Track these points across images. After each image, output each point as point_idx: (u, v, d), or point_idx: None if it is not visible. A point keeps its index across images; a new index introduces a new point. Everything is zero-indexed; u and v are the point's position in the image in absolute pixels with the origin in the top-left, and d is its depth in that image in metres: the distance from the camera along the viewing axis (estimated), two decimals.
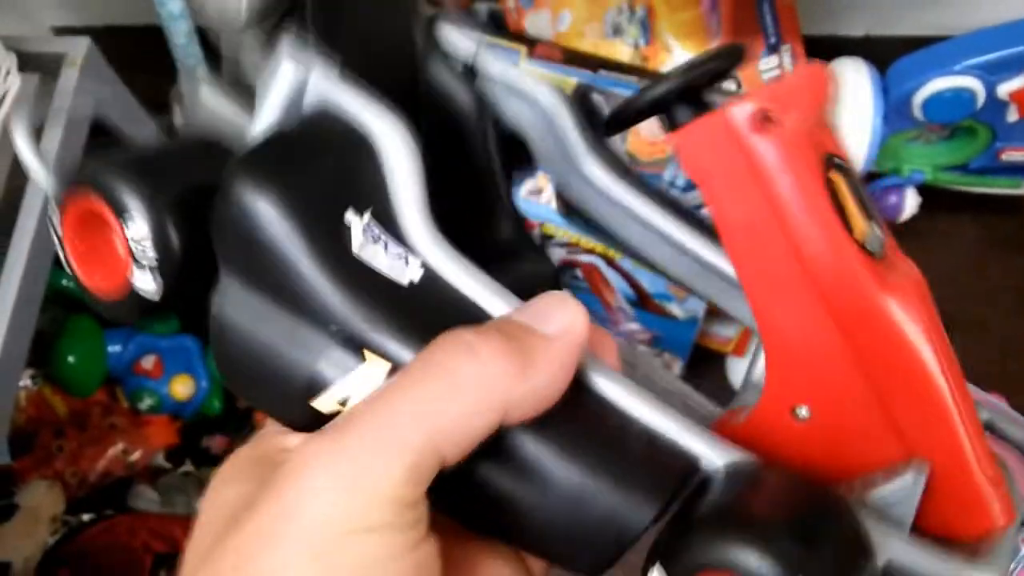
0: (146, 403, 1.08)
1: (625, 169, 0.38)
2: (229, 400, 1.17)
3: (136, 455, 1.05)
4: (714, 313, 1.09)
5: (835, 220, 0.27)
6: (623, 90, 1.04)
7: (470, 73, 0.35)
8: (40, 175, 0.30)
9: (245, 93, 0.30)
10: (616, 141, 1.03)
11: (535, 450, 0.25)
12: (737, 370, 1.15)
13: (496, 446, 0.24)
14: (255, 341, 0.26)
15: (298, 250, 0.25)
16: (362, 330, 0.25)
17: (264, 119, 0.27)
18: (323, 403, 0.25)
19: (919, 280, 0.30)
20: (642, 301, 1.00)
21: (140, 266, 0.26)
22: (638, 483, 0.25)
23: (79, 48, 0.80)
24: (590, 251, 0.98)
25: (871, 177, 1.07)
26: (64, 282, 1.01)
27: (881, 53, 1.04)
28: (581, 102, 0.37)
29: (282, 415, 0.27)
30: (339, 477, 0.22)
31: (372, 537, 0.22)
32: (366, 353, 0.25)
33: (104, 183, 0.26)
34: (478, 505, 0.26)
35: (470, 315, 0.27)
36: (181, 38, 0.96)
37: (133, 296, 0.27)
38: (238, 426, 1.17)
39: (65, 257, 0.28)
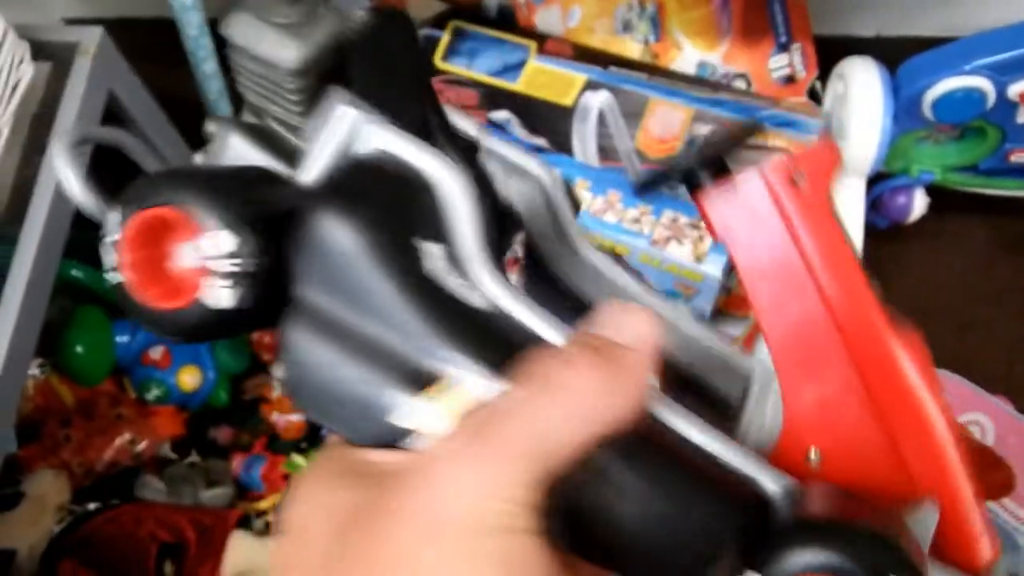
0: (153, 393, 1.09)
1: (615, 255, 0.40)
2: (235, 392, 1.17)
3: (143, 445, 1.06)
4: (720, 312, 1.09)
5: (860, 270, 0.30)
6: (632, 87, 1.04)
7: (471, 149, 0.37)
8: (86, 203, 0.31)
9: (268, 139, 0.31)
10: (625, 138, 1.03)
11: (625, 474, 0.26)
12: None
13: (589, 469, 0.26)
14: (329, 359, 0.27)
15: (379, 269, 0.27)
16: (440, 346, 0.27)
17: (318, 158, 0.29)
18: (405, 419, 0.27)
19: (919, 335, 0.33)
20: None
21: (217, 282, 0.26)
22: (717, 505, 0.27)
23: (92, 37, 0.80)
24: (597, 248, 0.98)
25: (880, 177, 1.07)
26: (73, 272, 1.02)
27: (891, 53, 1.04)
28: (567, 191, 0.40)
29: (353, 431, 0.28)
30: (481, 480, 0.23)
31: (515, 538, 0.23)
32: (445, 371, 0.27)
33: (188, 199, 0.26)
34: (573, 524, 0.27)
35: (535, 339, 0.28)
36: (193, 30, 0.96)
37: (204, 312, 0.27)
38: (244, 418, 1.17)
39: (121, 272, 0.28)
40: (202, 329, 0.27)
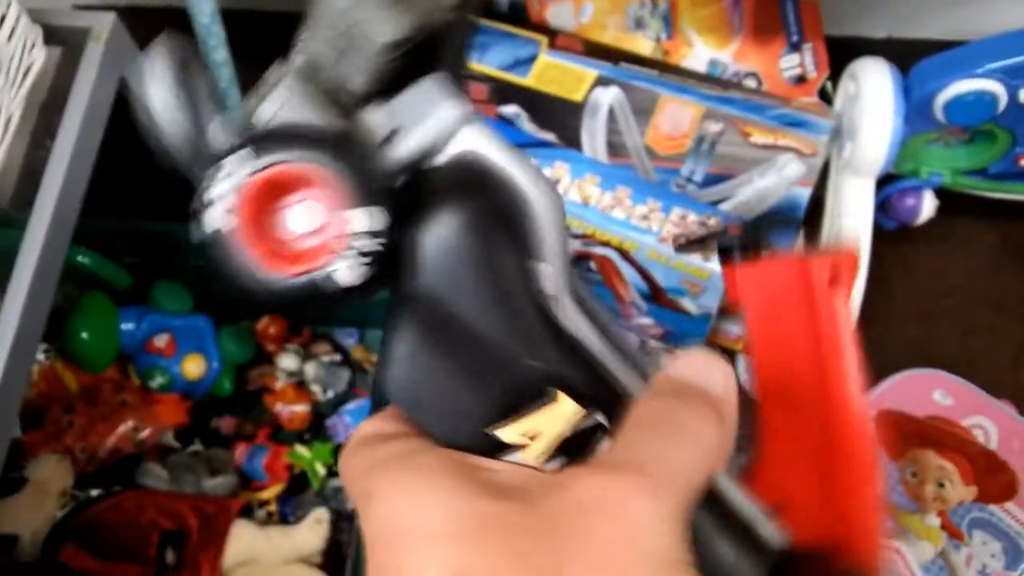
0: (157, 381, 1.09)
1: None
2: (239, 382, 1.17)
3: (146, 433, 1.05)
4: (726, 310, 1.09)
5: (857, 359, 0.35)
6: (643, 83, 1.04)
7: None
8: (182, 120, 0.29)
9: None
10: (635, 135, 1.03)
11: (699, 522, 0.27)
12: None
13: None
14: (438, 362, 0.27)
15: (504, 283, 0.27)
16: (564, 374, 0.27)
17: (412, 143, 0.28)
18: (508, 434, 0.27)
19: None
20: (655, 296, 1.00)
21: (350, 258, 0.25)
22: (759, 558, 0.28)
23: (104, 23, 0.80)
24: (605, 243, 0.98)
25: (889, 179, 1.07)
26: (80, 258, 1.02)
27: (902, 55, 1.04)
28: None
29: (447, 435, 0.27)
30: (658, 516, 0.24)
31: (688, 573, 0.24)
32: (548, 392, 0.27)
33: (338, 167, 0.25)
34: None
35: (607, 373, 0.29)
36: (204, 18, 0.95)
37: (318, 283, 0.26)
38: (247, 408, 1.17)
39: (236, 219, 0.26)
40: (305, 300, 0.26)
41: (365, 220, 0.25)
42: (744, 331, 0.38)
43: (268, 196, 0.25)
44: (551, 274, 0.28)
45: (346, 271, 0.25)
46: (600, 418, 0.27)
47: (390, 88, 0.30)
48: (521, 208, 0.28)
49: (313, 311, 0.28)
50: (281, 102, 0.28)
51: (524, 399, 0.27)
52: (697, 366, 0.28)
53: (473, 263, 0.27)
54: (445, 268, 0.27)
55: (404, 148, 0.28)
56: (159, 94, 0.28)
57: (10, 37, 0.76)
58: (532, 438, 0.26)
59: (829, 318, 0.34)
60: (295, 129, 0.26)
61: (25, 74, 0.78)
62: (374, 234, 0.25)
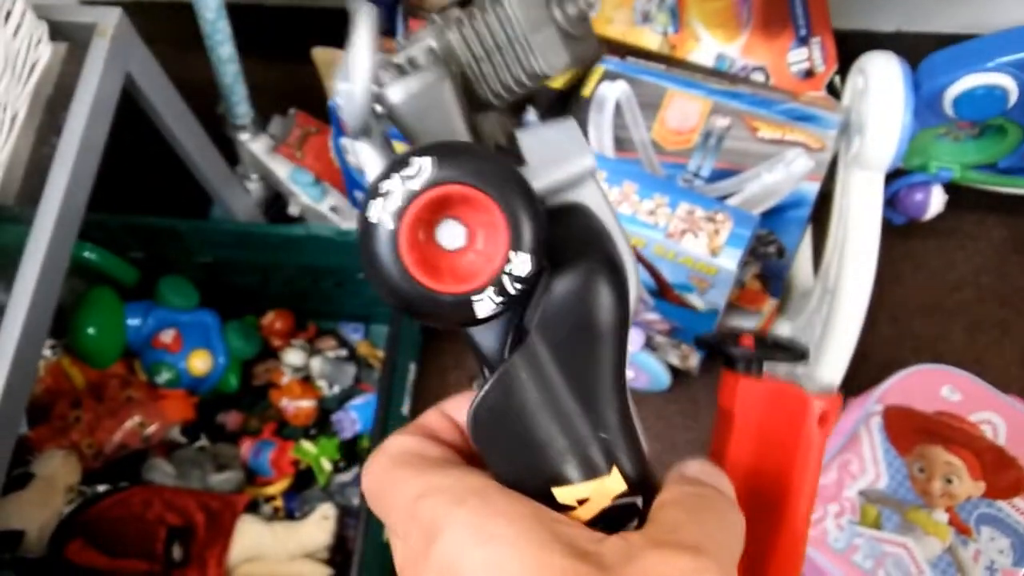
0: (163, 377, 1.09)
1: None
2: (245, 377, 1.17)
3: (152, 428, 1.06)
4: (733, 306, 1.09)
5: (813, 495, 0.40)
6: (649, 78, 1.03)
7: None
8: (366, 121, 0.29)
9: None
10: (642, 129, 1.03)
11: None
12: None
13: None
14: (534, 408, 0.28)
15: (614, 350, 0.29)
16: (620, 450, 0.29)
17: (542, 179, 0.29)
18: (563, 494, 0.28)
19: None
20: (662, 291, 1.00)
21: (493, 291, 0.26)
22: None
23: (110, 19, 0.79)
24: None
25: (898, 174, 1.06)
26: (86, 253, 1.02)
27: (911, 49, 1.03)
28: None
29: (515, 479, 0.28)
30: None
31: None
32: (614, 468, 0.28)
33: (517, 207, 0.26)
34: None
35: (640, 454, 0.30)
36: (210, 13, 0.95)
37: (455, 306, 0.26)
38: (253, 403, 1.17)
39: (399, 224, 0.26)
40: (434, 315, 0.26)
41: (522, 265, 0.26)
42: (719, 434, 0.41)
43: (435, 208, 0.26)
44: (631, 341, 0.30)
45: (485, 305, 0.26)
46: (637, 500, 0.29)
47: (508, 108, 0.31)
48: (625, 275, 0.30)
49: (431, 324, 0.28)
50: (419, 89, 0.28)
51: (585, 465, 0.28)
52: (708, 470, 0.30)
53: (585, 324, 0.28)
54: (561, 322, 0.28)
55: (537, 182, 0.29)
56: (362, 58, 0.29)
57: (16, 33, 0.76)
58: (580, 503, 0.28)
59: (808, 452, 0.38)
60: (479, 153, 0.26)
61: (31, 70, 0.78)
62: (523, 280, 0.26)
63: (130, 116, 0.87)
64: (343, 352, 1.20)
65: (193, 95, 0.97)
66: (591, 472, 0.28)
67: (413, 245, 0.25)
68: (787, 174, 1.00)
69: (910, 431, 1.00)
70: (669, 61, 1.06)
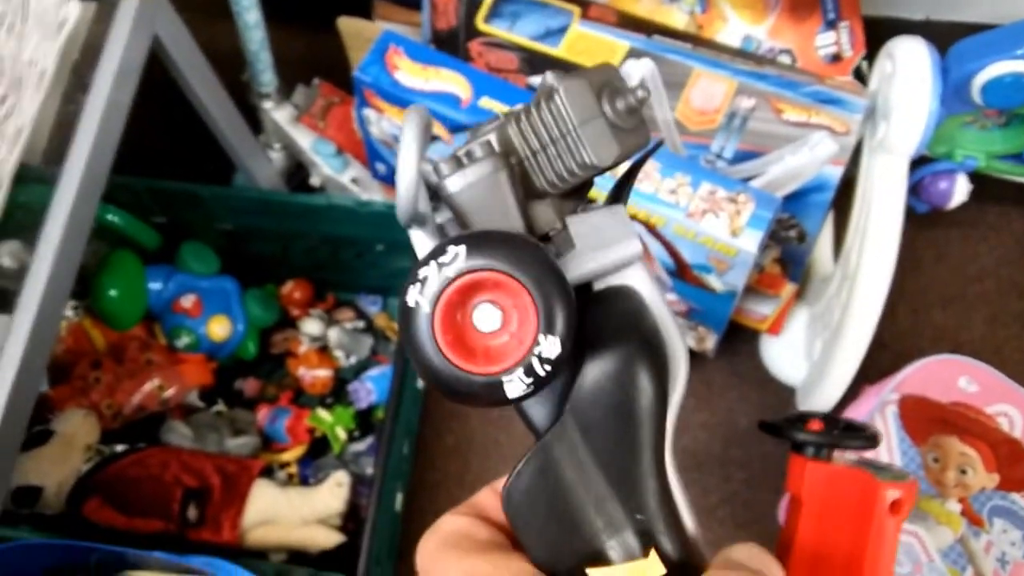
0: (183, 341, 1.10)
1: None
2: (263, 345, 1.18)
3: (171, 391, 1.07)
4: (751, 290, 1.08)
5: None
6: (675, 57, 1.02)
7: None
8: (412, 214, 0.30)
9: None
10: (666, 109, 1.02)
11: None
12: (770, 349, 1.15)
13: None
14: (567, 488, 0.29)
15: (652, 433, 0.29)
16: (659, 532, 0.29)
17: (585, 270, 0.30)
18: (598, 574, 0.29)
19: None
20: (681, 271, 1.00)
21: (524, 376, 0.27)
22: None
23: None
24: (632, 217, 0.97)
25: (923, 161, 1.05)
26: (109, 216, 1.03)
27: (940, 37, 1.02)
28: None
29: (549, 558, 0.29)
30: None
31: None
32: (651, 551, 0.29)
33: (551, 294, 0.27)
34: None
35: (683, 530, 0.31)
36: None
37: (484, 386, 0.27)
38: (271, 371, 1.18)
39: (434, 307, 0.27)
40: (466, 394, 0.27)
41: (552, 348, 0.26)
42: (789, 520, 0.40)
43: (468, 292, 0.27)
44: (671, 421, 0.30)
45: (516, 386, 0.27)
46: None
47: (562, 195, 0.31)
48: (665, 359, 0.31)
49: (467, 404, 0.29)
50: (476, 179, 0.29)
51: (621, 547, 0.29)
52: (757, 555, 0.30)
53: (620, 407, 0.29)
54: (594, 403, 0.29)
55: (577, 269, 0.30)
56: (409, 157, 0.30)
57: None
58: None
59: (880, 540, 0.38)
60: (511, 240, 0.27)
61: (60, 27, 0.78)
62: (552, 362, 0.26)
63: (156, 80, 0.87)
64: (360, 324, 1.20)
65: (218, 63, 0.98)
66: (627, 554, 0.29)
67: (448, 327, 0.27)
68: (811, 157, 1.00)
69: (926, 421, 1.00)
70: (695, 41, 1.06)
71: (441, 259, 0.27)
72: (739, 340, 1.13)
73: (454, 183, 0.29)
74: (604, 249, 0.31)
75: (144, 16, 0.80)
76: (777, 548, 0.40)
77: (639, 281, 0.31)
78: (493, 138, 0.30)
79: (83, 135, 0.77)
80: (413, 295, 0.27)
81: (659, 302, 0.31)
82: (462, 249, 0.27)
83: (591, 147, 0.29)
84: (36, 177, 0.80)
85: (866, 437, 0.40)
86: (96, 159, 0.77)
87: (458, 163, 0.30)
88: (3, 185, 0.73)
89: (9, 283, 0.78)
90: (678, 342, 0.31)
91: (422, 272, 0.27)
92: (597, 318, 0.30)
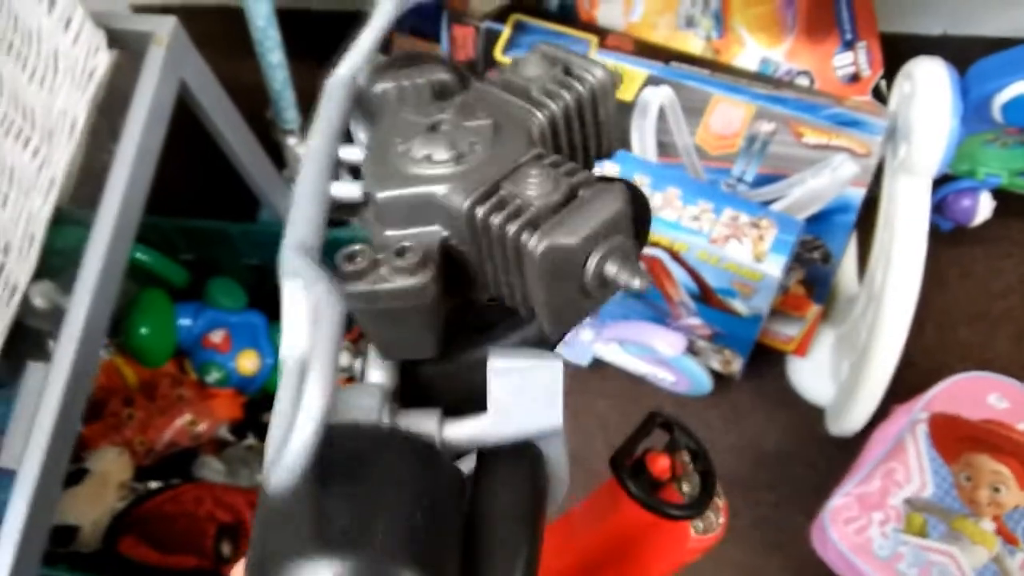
0: (213, 376, 1.11)
1: None
2: None
3: (202, 426, 1.08)
4: (777, 311, 1.08)
5: None
6: (693, 83, 1.03)
7: None
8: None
9: None
10: (685, 134, 1.03)
11: None
12: (797, 370, 1.15)
13: None
14: None
15: None
16: None
17: (498, 433, 0.28)
18: None
19: None
20: (705, 296, 1.00)
21: None
22: None
23: (165, 27, 0.81)
24: (655, 244, 0.98)
25: (945, 179, 1.05)
26: (138, 255, 1.04)
27: (958, 52, 1.02)
28: None
29: None
30: None
31: None
32: None
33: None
34: None
35: None
36: (261, 20, 0.97)
37: None
38: None
39: None
40: None
41: None
42: (578, 519, 0.40)
43: None
44: None
45: None
46: None
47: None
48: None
49: None
50: (393, 291, 0.26)
51: None
52: None
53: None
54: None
55: (494, 431, 0.28)
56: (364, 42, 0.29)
57: (75, 41, 0.78)
58: None
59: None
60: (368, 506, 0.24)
61: (89, 77, 0.80)
62: None
63: (180, 119, 0.89)
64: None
65: (241, 98, 0.99)
66: None
67: None
68: (832, 179, 1.00)
69: (956, 439, 1.00)
70: (713, 66, 1.06)
71: None
72: (765, 362, 1.13)
73: (365, 286, 0.26)
74: (521, 417, 0.28)
75: (171, 63, 0.81)
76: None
77: (555, 449, 0.29)
78: (445, 234, 0.27)
79: (115, 181, 0.78)
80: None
81: (564, 475, 0.29)
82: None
83: (547, 312, 0.26)
84: (63, 219, 0.82)
85: (690, 507, 0.38)
86: (129, 202, 0.79)
87: (374, 265, 0.26)
88: (39, 235, 0.75)
89: (41, 323, 0.79)
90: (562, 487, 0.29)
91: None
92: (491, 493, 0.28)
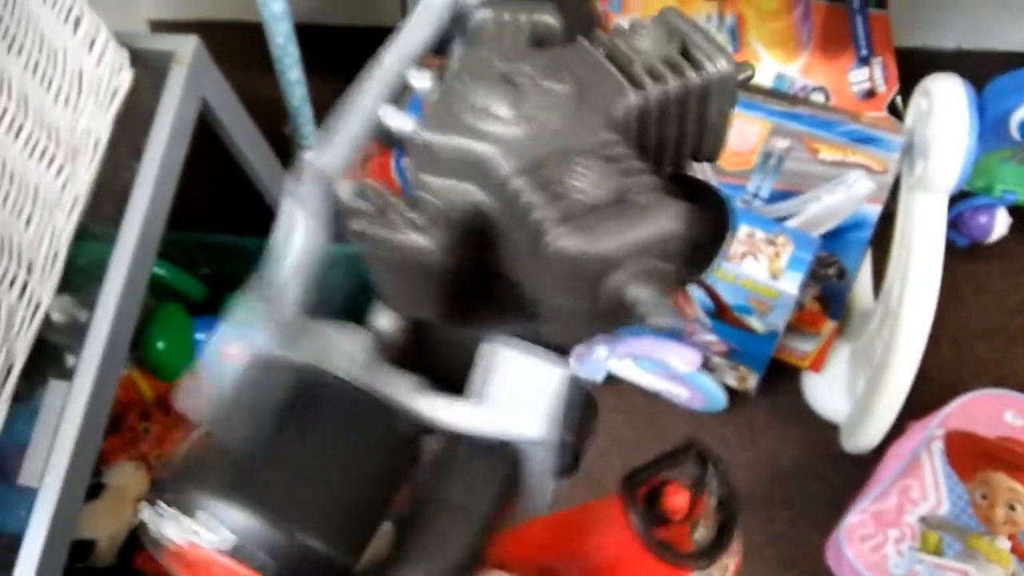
0: None
1: None
2: None
3: None
4: (792, 327, 1.08)
5: None
6: None
7: None
8: None
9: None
10: None
11: None
12: (813, 386, 1.14)
13: None
14: None
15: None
16: None
17: (470, 425, 0.26)
18: None
19: None
20: (720, 313, 1.00)
21: None
22: None
23: (187, 46, 0.82)
24: None
25: (962, 196, 1.05)
26: (156, 270, 1.05)
27: (972, 66, 1.03)
28: None
29: None
30: None
31: None
32: None
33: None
34: None
35: None
36: (280, 38, 0.98)
37: None
38: None
39: None
40: None
41: None
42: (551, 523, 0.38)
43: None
44: None
45: None
46: None
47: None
48: None
49: None
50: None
51: None
52: None
53: None
54: None
55: (471, 421, 0.26)
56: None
57: (99, 61, 0.78)
58: None
59: None
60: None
61: (112, 96, 0.80)
62: None
63: (199, 134, 0.89)
64: None
65: (259, 113, 1.00)
66: None
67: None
68: (848, 196, 1.00)
69: (972, 456, 0.99)
70: None
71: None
72: (781, 378, 1.13)
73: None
74: (504, 415, 0.26)
75: (193, 81, 0.82)
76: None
77: (533, 459, 0.27)
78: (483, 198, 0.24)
79: (138, 199, 0.79)
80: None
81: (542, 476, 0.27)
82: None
83: (548, 316, 0.24)
84: (83, 234, 0.82)
85: (694, 557, 0.35)
86: (151, 219, 0.79)
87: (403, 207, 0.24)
88: (62, 253, 0.75)
89: (59, 337, 0.80)
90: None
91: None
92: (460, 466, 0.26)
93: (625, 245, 0.22)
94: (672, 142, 0.26)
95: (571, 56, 0.27)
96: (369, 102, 0.25)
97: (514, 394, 0.25)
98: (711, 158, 0.28)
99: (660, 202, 0.22)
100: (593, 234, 0.21)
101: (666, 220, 0.22)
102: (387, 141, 0.28)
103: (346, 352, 0.26)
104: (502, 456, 0.26)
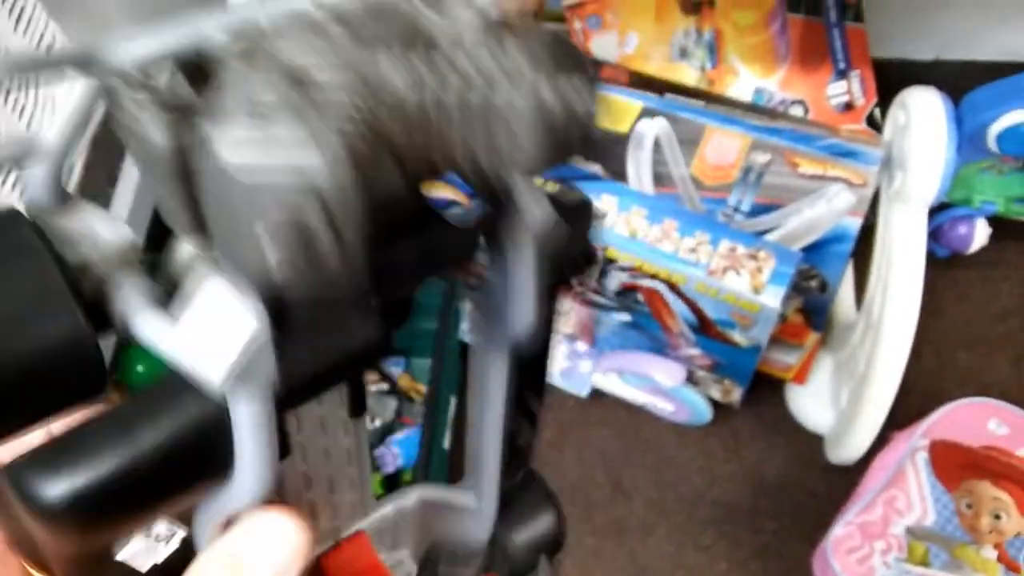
0: None
1: None
2: None
3: None
4: (775, 339, 1.08)
5: None
6: (689, 115, 1.04)
7: None
8: None
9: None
10: (681, 166, 1.03)
11: None
12: (796, 398, 1.15)
13: None
14: None
15: None
16: None
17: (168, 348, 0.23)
18: None
19: None
20: (704, 327, 1.00)
21: None
22: None
23: None
24: (653, 276, 0.98)
25: (941, 207, 1.06)
26: None
27: (950, 77, 1.03)
28: None
29: None
30: None
31: None
32: None
33: None
34: None
35: None
36: None
37: None
38: None
39: None
40: None
41: None
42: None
43: None
44: None
45: None
46: None
47: None
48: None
49: None
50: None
51: None
52: (256, 533, 0.24)
53: None
54: None
55: (159, 339, 0.23)
56: None
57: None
58: None
59: None
60: None
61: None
62: None
63: None
64: (384, 386, 1.21)
65: None
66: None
67: None
68: (828, 209, 1.00)
69: (957, 466, 1.00)
70: (708, 97, 1.07)
71: None
72: (765, 390, 1.13)
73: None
74: (189, 345, 0.22)
75: None
76: None
77: (238, 423, 0.22)
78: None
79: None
80: None
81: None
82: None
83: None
84: None
85: None
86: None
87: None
88: None
89: None
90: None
91: None
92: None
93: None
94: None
95: None
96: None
97: (204, 329, 0.22)
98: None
99: None
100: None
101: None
102: None
103: (102, 240, 0.23)
104: (195, 399, 0.22)
